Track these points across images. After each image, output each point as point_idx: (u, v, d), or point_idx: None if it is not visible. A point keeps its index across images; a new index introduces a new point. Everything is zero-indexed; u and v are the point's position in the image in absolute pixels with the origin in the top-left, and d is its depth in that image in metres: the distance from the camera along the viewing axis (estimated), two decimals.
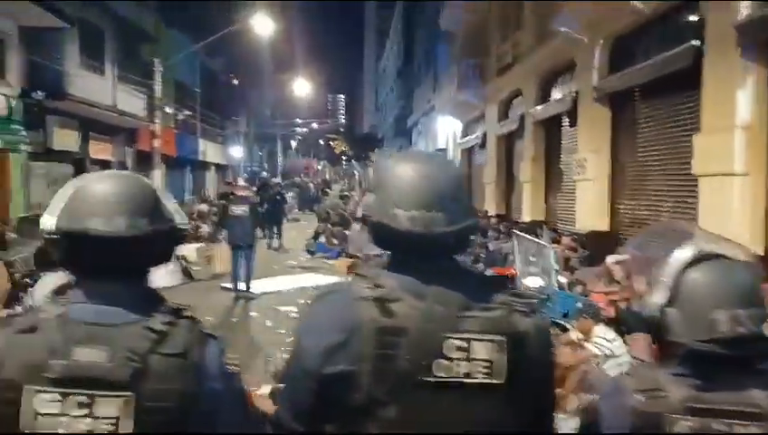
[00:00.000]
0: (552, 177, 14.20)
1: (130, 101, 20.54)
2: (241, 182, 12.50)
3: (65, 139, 17.88)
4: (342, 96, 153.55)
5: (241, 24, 19.61)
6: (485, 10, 19.29)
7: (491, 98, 18.34)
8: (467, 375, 1.25)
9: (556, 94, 13.55)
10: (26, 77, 15.59)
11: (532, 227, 12.82)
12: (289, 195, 27.83)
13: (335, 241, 15.66)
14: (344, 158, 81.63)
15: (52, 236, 1.29)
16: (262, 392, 4.58)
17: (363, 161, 72.81)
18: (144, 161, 23.82)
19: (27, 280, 9.11)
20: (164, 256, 1.39)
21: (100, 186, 1.32)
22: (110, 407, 1.19)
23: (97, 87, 18.42)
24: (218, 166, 35.70)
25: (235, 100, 37.02)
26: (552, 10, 12.71)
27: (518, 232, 9.07)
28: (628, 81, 9.71)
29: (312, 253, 14.78)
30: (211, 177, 35.04)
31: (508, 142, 17.68)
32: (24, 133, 15.46)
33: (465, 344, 1.25)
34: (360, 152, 65.81)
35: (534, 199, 14.67)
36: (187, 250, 12.64)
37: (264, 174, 41.65)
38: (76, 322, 1.24)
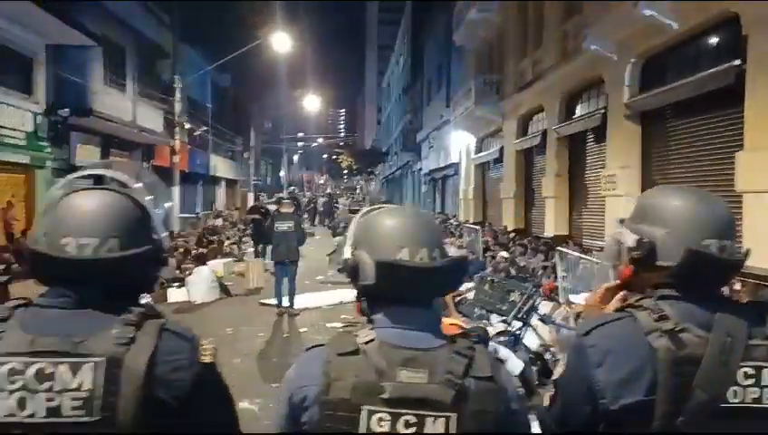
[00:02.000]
0: (577, 192, 14.31)
1: (149, 117, 20.69)
2: (282, 197, 12.52)
3: (87, 155, 17.99)
4: (343, 111, 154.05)
5: (261, 41, 19.75)
6: (501, 27, 19.55)
7: (509, 113, 18.49)
8: (756, 401, 1.33)
9: (581, 111, 13.70)
10: (52, 94, 15.74)
11: (557, 243, 12.97)
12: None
13: None
14: (346, 172, 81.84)
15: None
16: None
17: (367, 175, 73.28)
18: (161, 177, 23.93)
19: None
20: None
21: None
22: (436, 427, 1.27)
23: (119, 103, 18.56)
24: (228, 181, 35.86)
25: (244, 115, 37.23)
26: (577, 28, 12.93)
27: (563, 249, 9.14)
28: (664, 98, 9.83)
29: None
30: (221, 191, 35.18)
31: (527, 157, 17.82)
32: (49, 150, 15.59)
33: (754, 372, 1.34)
34: (364, 166, 66.05)
35: (558, 215, 14.76)
36: (215, 265, 12.73)
37: (293, 188, 41.79)
38: (394, 346, 1.33)
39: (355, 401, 1.28)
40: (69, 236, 1.29)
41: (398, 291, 1.39)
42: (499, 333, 5.59)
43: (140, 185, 1.45)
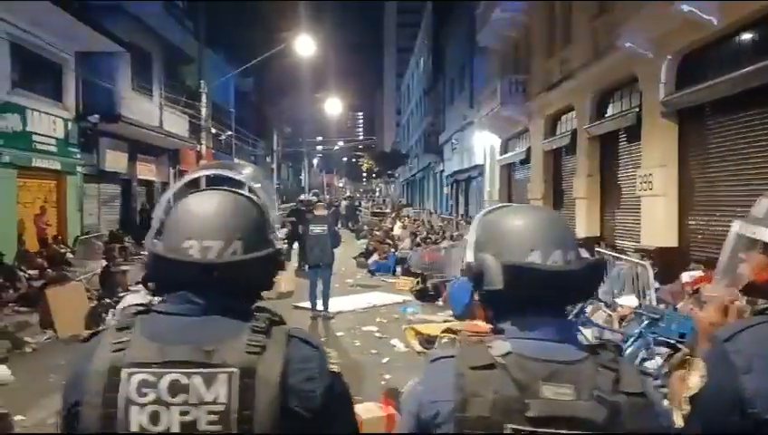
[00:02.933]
0: (608, 193, 14.09)
1: (175, 122, 20.86)
2: (316, 200, 12.47)
3: (116, 160, 18.18)
4: (361, 114, 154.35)
5: (285, 45, 19.78)
6: (527, 26, 19.38)
7: (536, 113, 18.31)
8: None
9: (613, 110, 13.49)
10: (81, 100, 15.90)
11: (588, 244, 12.77)
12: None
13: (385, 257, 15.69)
14: (366, 175, 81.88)
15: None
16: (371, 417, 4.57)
17: (387, 178, 73.20)
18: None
19: (108, 300, 9.25)
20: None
21: None
22: None
23: (146, 109, 18.72)
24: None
25: (266, 119, 37.42)
26: (608, 26, 12.73)
27: (601, 250, 8.97)
28: (703, 96, 9.62)
29: (372, 272, 14.78)
30: None
31: (555, 158, 17.63)
32: (79, 156, 15.75)
33: None
34: (385, 169, 65.99)
35: (589, 216, 14.55)
36: None
37: (315, 191, 41.86)
38: (533, 359, 1.23)
39: (496, 419, 1.18)
40: (192, 239, 1.22)
41: (530, 297, 1.28)
42: None
43: (260, 185, 1.39)
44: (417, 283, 11.93)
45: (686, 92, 10.17)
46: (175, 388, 1.11)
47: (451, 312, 9.14)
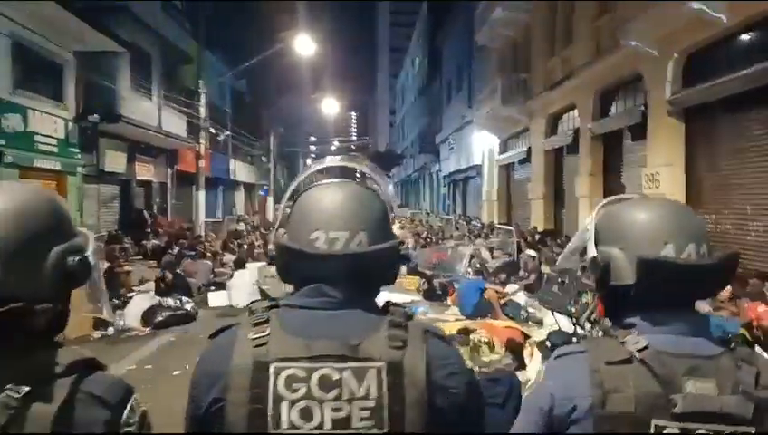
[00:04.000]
0: (612, 191, 14.06)
1: (173, 123, 20.74)
2: None
3: (115, 160, 18.06)
4: (353, 114, 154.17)
5: (282, 45, 19.72)
6: (528, 25, 19.39)
7: (537, 112, 18.33)
8: None
9: (617, 108, 13.51)
10: (81, 100, 15.78)
11: None
12: None
13: None
14: (359, 175, 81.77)
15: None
16: None
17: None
18: (183, 182, 24.04)
19: (117, 301, 9.17)
20: None
21: None
22: None
23: (145, 109, 18.60)
24: (246, 185, 35.87)
25: (261, 119, 37.27)
26: (613, 24, 12.74)
27: None
28: (711, 94, 9.65)
29: None
30: (240, 196, 35.21)
31: (557, 157, 17.65)
32: (79, 156, 15.62)
33: None
34: (381, 169, 65.93)
35: None
36: (249, 270, 12.62)
37: None
38: (672, 354, 1.20)
39: (641, 415, 1.15)
40: (318, 230, 1.20)
41: (662, 292, 1.25)
42: (570, 335, 5.44)
43: (385, 178, 1.36)
44: (424, 282, 11.89)
45: (693, 90, 10.20)
46: (326, 383, 1.08)
47: (459, 311, 9.14)
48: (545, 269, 11.02)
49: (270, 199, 35.52)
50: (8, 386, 0.99)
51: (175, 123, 20.87)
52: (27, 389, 1.00)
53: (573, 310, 5.71)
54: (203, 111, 19.23)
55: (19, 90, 12.92)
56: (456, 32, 30.40)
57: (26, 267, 1.08)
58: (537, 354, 5.24)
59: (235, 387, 1.09)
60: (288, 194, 1.35)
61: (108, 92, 16.28)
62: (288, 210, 1.28)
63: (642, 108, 11.77)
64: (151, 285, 10.13)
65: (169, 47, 20.26)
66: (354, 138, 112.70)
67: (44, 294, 1.09)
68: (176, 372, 6.28)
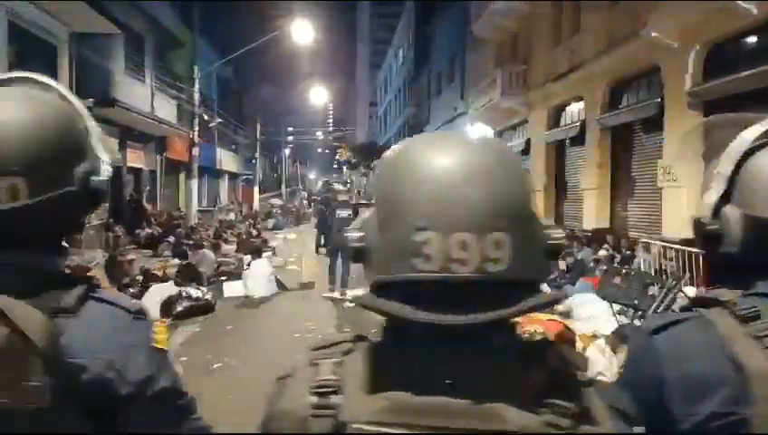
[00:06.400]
0: (620, 184, 14.05)
1: (165, 109, 20.22)
2: (339, 186, 12.52)
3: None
4: (331, 104, 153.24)
5: (280, 31, 19.31)
6: (527, 16, 19.20)
7: (537, 104, 18.21)
8: None
9: (629, 100, 13.42)
10: (75, 84, 15.21)
11: (597, 236, 12.71)
12: None
13: None
14: (344, 165, 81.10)
15: None
16: None
17: (364, 169, 72.50)
18: (171, 169, 23.50)
19: (131, 290, 8.81)
20: None
21: None
22: None
23: (138, 94, 18.07)
24: (230, 174, 35.31)
25: (247, 108, 36.70)
26: (627, 13, 12.60)
27: (648, 240, 8.87)
28: (734, 87, 9.57)
29: None
30: (224, 185, 34.65)
31: (558, 149, 17.56)
32: None
33: None
34: (363, 160, 65.44)
35: (599, 208, 14.48)
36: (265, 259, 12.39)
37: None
38: None
39: None
40: None
41: None
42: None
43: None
44: None
45: (715, 83, 10.12)
46: None
47: None
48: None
49: (255, 190, 35.02)
50: None
51: (166, 109, 20.35)
52: None
53: (640, 303, 5.54)
54: (197, 98, 18.75)
55: (15, 71, 12.38)
56: (448, 23, 30.14)
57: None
58: (605, 348, 5.04)
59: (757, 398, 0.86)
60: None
61: (102, 76, 15.74)
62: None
63: (659, 100, 11.67)
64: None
65: (162, 31, 19.71)
66: (331, 128, 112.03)
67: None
68: (215, 366, 5.99)
